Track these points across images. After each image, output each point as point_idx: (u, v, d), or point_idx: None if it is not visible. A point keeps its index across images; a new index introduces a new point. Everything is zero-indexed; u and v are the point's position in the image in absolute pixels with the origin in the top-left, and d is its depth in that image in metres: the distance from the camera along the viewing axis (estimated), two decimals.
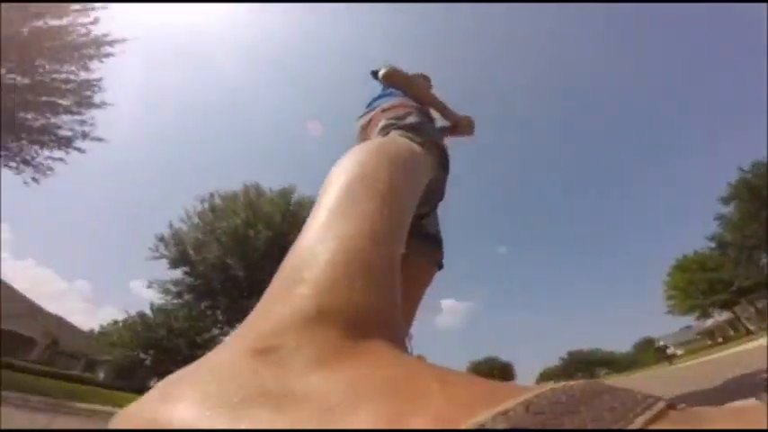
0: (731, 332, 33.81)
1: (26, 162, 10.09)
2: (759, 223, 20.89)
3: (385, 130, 0.77)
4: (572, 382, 0.14)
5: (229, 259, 15.87)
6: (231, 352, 0.22)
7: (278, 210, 16.97)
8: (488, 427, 0.12)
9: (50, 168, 10.26)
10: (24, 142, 9.94)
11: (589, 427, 0.11)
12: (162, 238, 16.49)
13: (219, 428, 0.17)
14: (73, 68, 10.31)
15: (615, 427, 0.11)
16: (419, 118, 0.85)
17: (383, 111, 0.94)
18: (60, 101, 10.25)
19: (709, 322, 35.32)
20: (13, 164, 10.08)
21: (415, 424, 0.14)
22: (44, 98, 9.97)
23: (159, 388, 0.22)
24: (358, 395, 0.16)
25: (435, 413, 0.14)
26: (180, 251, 16.21)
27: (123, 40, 10.74)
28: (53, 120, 10.29)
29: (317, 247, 0.29)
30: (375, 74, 1.24)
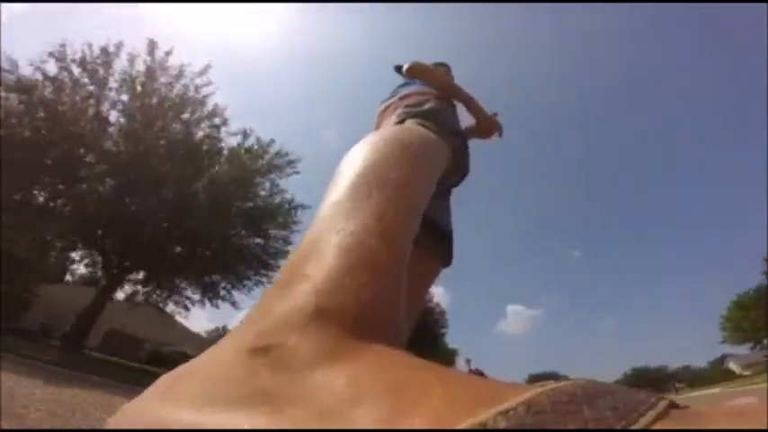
0: None
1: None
2: None
3: (400, 118, 0.72)
4: (574, 381, 0.14)
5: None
6: (230, 350, 0.22)
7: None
8: (489, 426, 0.12)
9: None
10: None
11: (591, 426, 0.11)
12: None
13: (218, 428, 0.17)
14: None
15: (618, 426, 0.11)
16: (436, 104, 0.80)
17: (401, 98, 0.89)
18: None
19: None
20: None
21: (415, 424, 0.14)
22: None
23: (157, 386, 0.22)
24: (357, 395, 0.16)
25: (435, 413, 0.14)
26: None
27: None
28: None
29: (323, 239, 0.29)
30: (399, 69, 1.16)
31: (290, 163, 13.00)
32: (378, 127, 0.90)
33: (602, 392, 0.13)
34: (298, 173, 13.35)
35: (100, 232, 9.90)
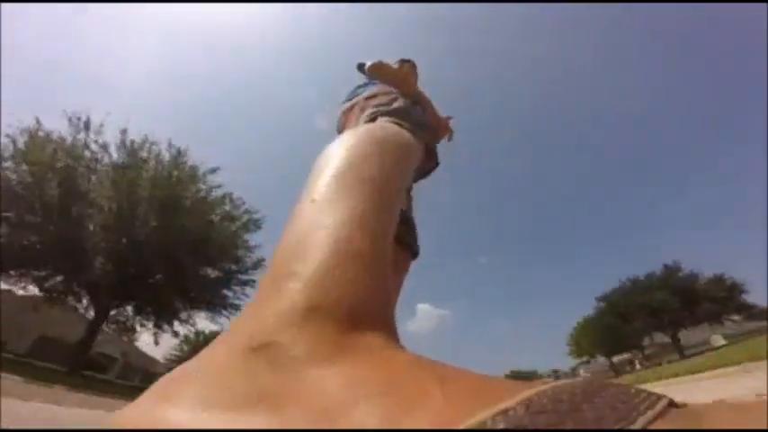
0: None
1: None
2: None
3: (371, 116, 0.72)
4: (574, 380, 0.14)
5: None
6: (225, 351, 0.22)
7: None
8: (488, 426, 0.12)
9: None
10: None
11: (591, 426, 0.11)
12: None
13: (216, 429, 0.17)
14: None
15: (617, 426, 0.11)
16: (405, 103, 0.82)
17: (367, 98, 0.89)
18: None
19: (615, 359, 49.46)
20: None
21: (414, 424, 0.14)
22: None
23: (154, 388, 0.22)
24: (355, 393, 0.16)
25: (434, 412, 0.14)
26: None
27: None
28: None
29: (307, 237, 0.29)
30: (361, 67, 1.18)
31: (255, 222, 14.42)
32: (343, 126, 0.92)
33: (602, 391, 0.13)
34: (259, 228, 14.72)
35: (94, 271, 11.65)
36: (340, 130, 0.93)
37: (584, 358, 45.76)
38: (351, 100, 0.97)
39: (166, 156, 13.28)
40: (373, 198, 0.34)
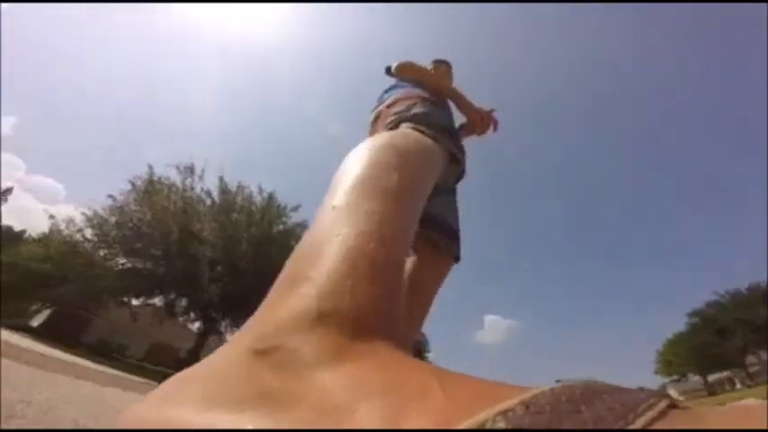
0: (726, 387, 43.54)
1: None
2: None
3: (392, 124, 0.73)
4: (572, 382, 0.14)
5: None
6: (232, 352, 0.23)
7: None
8: (488, 426, 0.12)
9: None
10: None
11: (590, 427, 0.11)
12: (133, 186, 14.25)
13: (222, 429, 0.17)
14: None
15: (616, 426, 0.11)
16: (424, 107, 0.80)
17: (388, 106, 0.89)
18: None
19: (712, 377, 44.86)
20: None
21: (415, 424, 0.14)
22: None
23: (161, 389, 0.22)
24: (358, 395, 0.16)
25: (435, 413, 0.14)
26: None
27: None
28: None
29: (323, 245, 0.29)
30: (389, 70, 1.18)
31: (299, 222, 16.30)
32: (371, 135, 0.88)
33: (601, 392, 0.13)
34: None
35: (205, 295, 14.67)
36: (370, 135, 0.92)
37: (675, 377, 41.71)
38: (377, 108, 0.98)
39: (258, 198, 16.09)
40: (391, 207, 0.34)
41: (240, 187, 16.11)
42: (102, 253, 13.97)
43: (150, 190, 14.60)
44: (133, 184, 14.74)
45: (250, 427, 0.17)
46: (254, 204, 15.75)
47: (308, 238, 0.32)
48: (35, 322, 20.18)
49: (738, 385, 37.45)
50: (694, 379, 42.62)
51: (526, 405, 0.13)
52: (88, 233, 13.98)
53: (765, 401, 0.12)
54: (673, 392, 49.60)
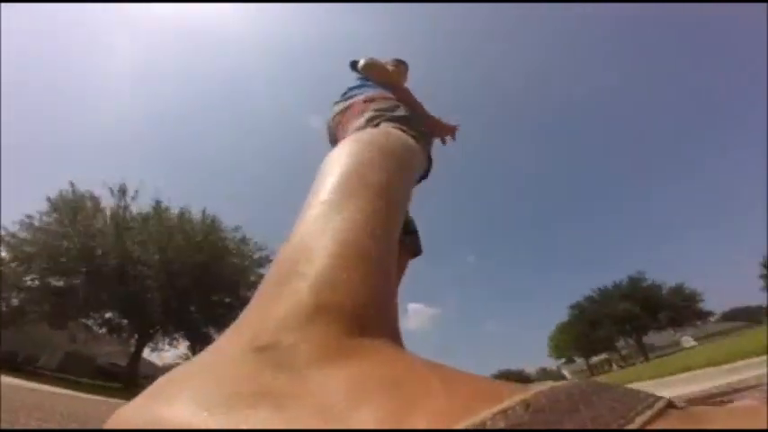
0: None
1: None
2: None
3: (374, 122, 0.72)
4: (573, 381, 0.14)
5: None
6: (229, 349, 0.22)
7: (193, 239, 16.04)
8: (488, 426, 0.12)
9: None
10: None
11: (589, 426, 0.12)
12: (51, 205, 14.86)
13: (217, 428, 0.17)
14: None
15: (615, 425, 0.11)
16: (407, 111, 0.82)
17: (366, 101, 0.88)
18: None
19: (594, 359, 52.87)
20: None
21: (416, 422, 0.14)
22: None
23: (155, 387, 0.22)
24: (359, 393, 0.16)
25: (436, 411, 0.14)
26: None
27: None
28: None
29: (313, 240, 0.29)
30: (354, 65, 1.19)
31: (266, 258, 18.08)
32: (337, 126, 0.93)
33: (600, 391, 0.13)
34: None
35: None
36: (334, 130, 0.96)
37: (563, 359, 49.11)
38: (346, 101, 0.97)
39: (198, 220, 17.40)
40: (378, 202, 0.34)
41: (183, 212, 17.36)
42: (15, 270, 14.06)
43: (74, 207, 15.10)
44: (51, 202, 15.05)
45: (244, 427, 0.16)
46: (194, 230, 16.99)
47: (295, 234, 0.31)
48: None
49: (615, 367, 44.83)
50: (580, 361, 50.37)
51: (526, 404, 0.13)
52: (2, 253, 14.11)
53: (763, 402, 0.14)
54: (566, 372, 57.80)
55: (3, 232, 14.23)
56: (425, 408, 0.15)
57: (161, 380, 0.22)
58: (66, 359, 23.26)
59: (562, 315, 44.33)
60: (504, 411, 0.13)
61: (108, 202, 16.40)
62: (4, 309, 13.90)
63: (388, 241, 0.32)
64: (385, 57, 1.31)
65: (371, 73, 1.14)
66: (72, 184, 15.82)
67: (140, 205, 17.02)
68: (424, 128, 0.91)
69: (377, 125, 0.71)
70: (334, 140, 1.02)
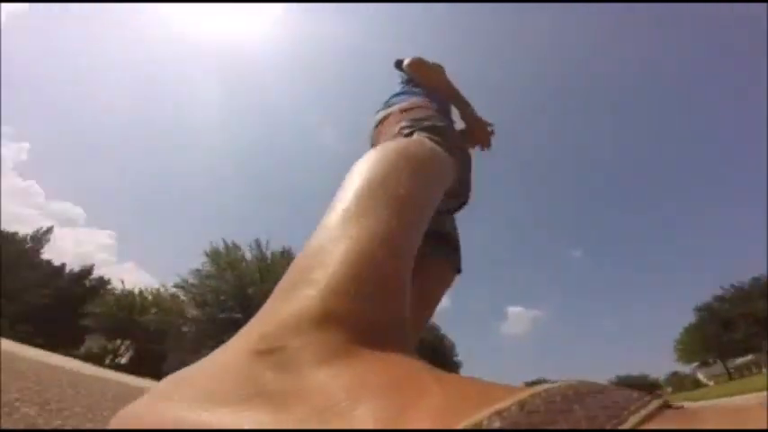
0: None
1: None
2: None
3: (407, 131, 0.69)
4: (567, 382, 0.15)
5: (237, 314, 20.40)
6: (233, 352, 0.23)
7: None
8: (484, 426, 0.12)
9: None
10: None
11: (583, 425, 0.12)
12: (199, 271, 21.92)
13: (220, 428, 0.17)
14: None
15: (609, 425, 0.11)
16: (443, 121, 0.77)
17: (402, 111, 0.84)
18: None
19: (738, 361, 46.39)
20: None
21: (414, 423, 0.14)
22: None
23: (160, 387, 0.22)
24: (357, 394, 0.17)
25: (433, 412, 0.14)
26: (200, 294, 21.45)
27: None
28: None
29: (329, 247, 0.29)
30: (399, 64, 1.15)
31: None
32: (377, 137, 0.88)
33: (594, 392, 0.14)
34: None
35: None
36: (374, 140, 0.91)
37: (696, 363, 43.59)
38: (386, 109, 0.93)
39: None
40: (400, 216, 0.34)
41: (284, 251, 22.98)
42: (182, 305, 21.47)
43: (228, 259, 21.97)
44: (208, 255, 21.80)
45: (247, 426, 0.17)
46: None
47: (313, 241, 0.31)
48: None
49: (764, 369, 38.82)
50: (717, 365, 44.32)
51: (521, 405, 0.13)
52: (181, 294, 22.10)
53: (759, 402, 0.12)
54: (701, 377, 51.24)
55: (180, 281, 21.55)
56: (423, 409, 0.15)
57: (168, 379, 0.23)
58: None
59: (687, 316, 39.82)
60: (499, 412, 0.13)
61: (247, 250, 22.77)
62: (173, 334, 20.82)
63: (406, 255, 0.32)
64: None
65: (416, 73, 1.10)
66: (223, 241, 22.68)
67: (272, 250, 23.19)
68: (458, 140, 0.83)
69: (408, 135, 0.67)
70: None
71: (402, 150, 0.46)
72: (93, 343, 26.72)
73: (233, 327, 20.02)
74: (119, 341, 26.88)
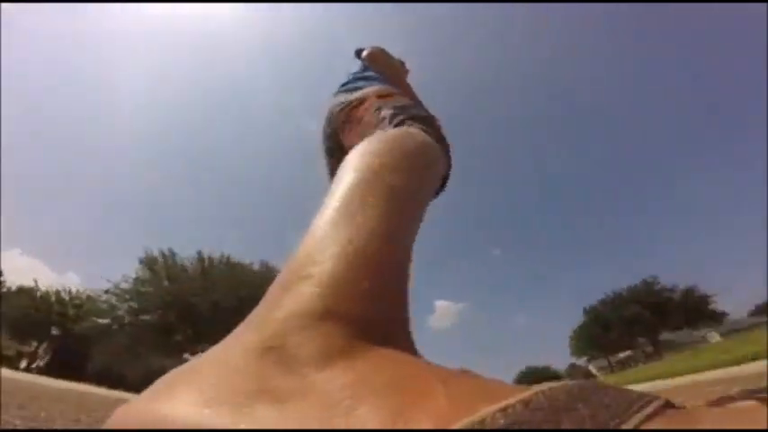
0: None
1: None
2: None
3: (396, 120, 0.65)
4: (571, 381, 0.15)
5: (172, 319, 21.72)
6: (234, 349, 0.22)
7: (226, 280, 23.08)
8: (488, 424, 0.12)
9: None
10: None
11: (587, 424, 0.12)
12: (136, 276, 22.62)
13: (221, 427, 0.17)
14: None
15: (612, 424, 0.12)
16: (426, 111, 0.74)
17: (379, 97, 0.79)
18: None
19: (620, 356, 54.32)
20: None
21: (417, 421, 0.14)
22: None
23: (159, 385, 0.22)
24: (360, 392, 0.16)
25: (437, 410, 0.14)
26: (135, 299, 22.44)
27: None
28: None
29: (326, 242, 0.28)
30: (359, 53, 1.10)
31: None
32: (344, 123, 0.82)
33: (598, 391, 0.14)
34: None
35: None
36: (337, 126, 0.86)
37: (585, 357, 51.02)
38: (351, 91, 0.87)
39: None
40: (398, 209, 0.33)
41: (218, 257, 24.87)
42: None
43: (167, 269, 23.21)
44: (144, 263, 22.97)
45: (248, 426, 0.16)
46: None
47: (309, 236, 0.30)
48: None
49: (640, 363, 45.95)
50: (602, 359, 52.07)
51: (525, 403, 0.13)
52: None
53: (760, 402, 0.12)
54: (592, 368, 59.27)
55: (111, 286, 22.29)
56: (427, 407, 0.15)
57: (167, 376, 0.23)
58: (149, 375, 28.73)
59: (581, 314, 46.23)
60: (503, 409, 0.13)
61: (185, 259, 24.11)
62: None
63: (405, 248, 0.32)
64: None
65: (376, 64, 1.05)
66: (161, 251, 23.74)
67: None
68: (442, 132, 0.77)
69: (398, 124, 0.64)
70: (334, 138, 0.89)
71: (397, 141, 0.46)
72: (3, 344, 25.65)
73: (168, 333, 21.66)
74: (35, 343, 26.17)
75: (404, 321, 0.27)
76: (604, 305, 41.86)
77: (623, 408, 0.12)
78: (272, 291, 0.27)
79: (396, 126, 0.64)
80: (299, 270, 0.27)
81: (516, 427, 0.12)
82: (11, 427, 1.37)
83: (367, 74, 1.02)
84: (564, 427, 0.12)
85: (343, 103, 0.87)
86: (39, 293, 26.13)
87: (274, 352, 0.21)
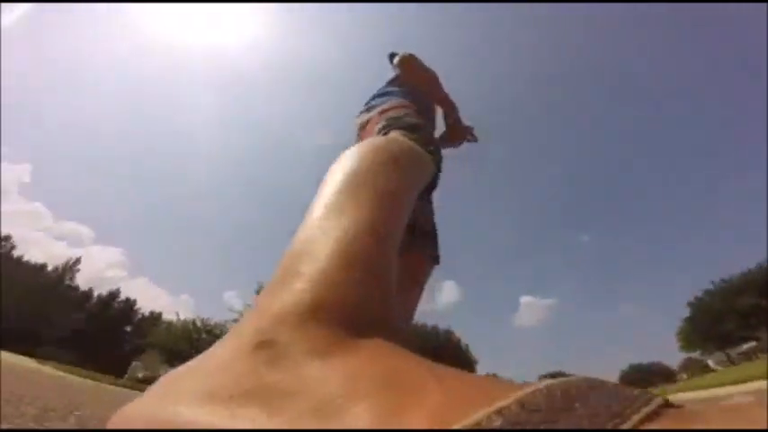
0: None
1: None
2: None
3: (384, 130, 0.73)
4: (568, 379, 0.14)
5: None
6: (228, 348, 0.23)
7: None
8: (484, 425, 0.12)
9: None
10: None
11: (585, 423, 0.12)
12: None
13: (217, 427, 0.17)
14: None
15: (610, 425, 0.11)
16: (417, 118, 0.82)
17: (381, 113, 0.89)
18: None
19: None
20: None
21: (411, 420, 0.14)
22: None
23: (158, 385, 0.22)
24: (354, 390, 0.16)
25: (431, 410, 0.14)
26: None
27: None
28: None
29: (315, 241, 0.29)
30: (392, 57, 1.14)
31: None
32: (361, 139, 0.90)
33: (596, 389, 0.14)
34: None
35: None
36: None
37: (699, 351, 45.89)
38: (368, 111, 0.97)
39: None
40: (382, 208, 0.35)
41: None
42: None
43: None
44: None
45: (242, 426, 0.16)
46: None
47: (299, 235, 0.31)
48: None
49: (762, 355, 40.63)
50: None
51: (522, 403, 0.13)
52: None
53: (759, 401, 0.12)
54: (710, 362, 53.10)
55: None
56: (421, 406, 0.15)
57: (167, 376, 0.23)
58: None
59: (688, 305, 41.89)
60: (499, 411, 0.13)
61: None
62: None
63: (390, 245, 0.33)
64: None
65: (405, 69, 1.11)
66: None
67: None
68: (432, 136, 0.86)
69: (386, 133, 0.71)
70: None
71: (379, 147, 0.49)
72: (148, 366, 29.78)
73: None
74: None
75: (391, 315, 0.28)
76: (711, 295, 37.94)
77: (622, 407, 0.12)
78: (268, 288, 0.28)
79: (384, 134, 0.71)
80: (292, 266, 0.28)
81: (513, 428, 0.12)
82: (12, 427, 1.42)
83: (388, 89, 1.11)
84: (561, 427, 0.12)
85: (358, 125, 0.99)
86: (179, 323, 29.91)
87: (267, 349, 0.21)
